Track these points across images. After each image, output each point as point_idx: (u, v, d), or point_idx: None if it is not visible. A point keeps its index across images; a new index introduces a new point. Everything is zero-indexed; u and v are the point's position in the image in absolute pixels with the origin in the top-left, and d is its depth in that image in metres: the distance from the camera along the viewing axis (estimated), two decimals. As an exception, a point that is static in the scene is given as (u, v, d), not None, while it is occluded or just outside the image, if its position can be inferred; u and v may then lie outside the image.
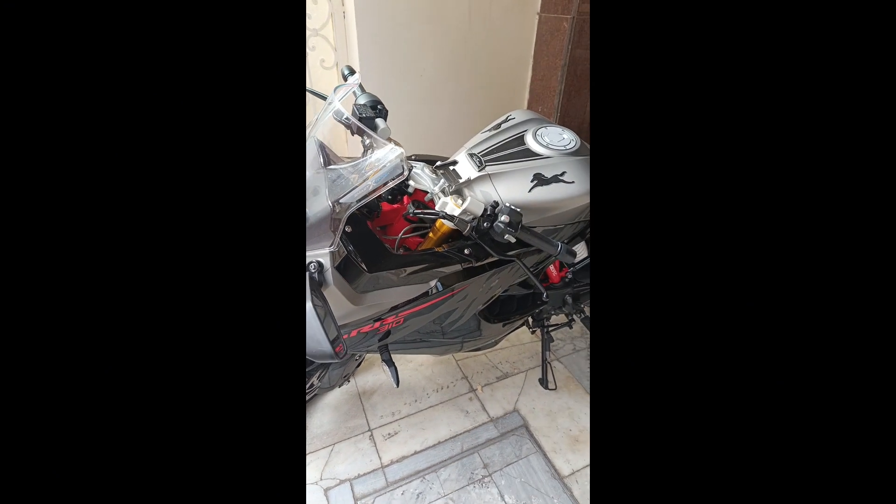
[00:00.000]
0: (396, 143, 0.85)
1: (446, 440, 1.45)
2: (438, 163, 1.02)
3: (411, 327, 1.05)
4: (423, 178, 0.94)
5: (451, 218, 0.89)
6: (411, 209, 0.97)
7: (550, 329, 1.58)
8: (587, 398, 1.61)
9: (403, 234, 1.02)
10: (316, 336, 0.62)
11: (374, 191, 0.79)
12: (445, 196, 0.91)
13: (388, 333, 1.03)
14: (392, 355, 1.11)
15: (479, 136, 1.20)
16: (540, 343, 1.76)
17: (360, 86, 1.03)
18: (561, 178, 1.06)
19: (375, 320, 0.96)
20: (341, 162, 0.86)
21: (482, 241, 0.94)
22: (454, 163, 1.05)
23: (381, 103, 1.00)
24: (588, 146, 1.17)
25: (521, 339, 1.86)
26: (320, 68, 2.07)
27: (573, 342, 1.86)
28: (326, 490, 1.30)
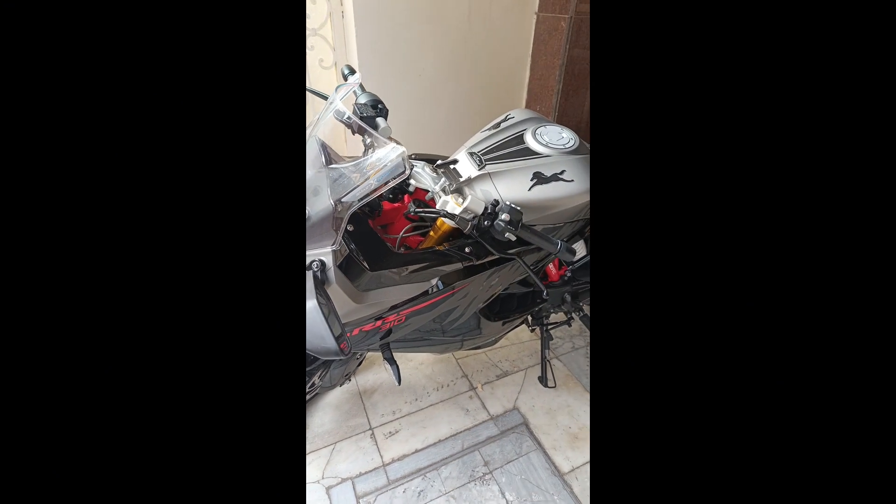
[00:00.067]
0: (397, 143, 0.85)
1: (447, 438, 1.45)
2: (439, 162, 1.02)
3: (412, 326, 1.05)
4: (423, 176, 0.95)
5: (451, 216, 0.90)
6: (412, 208, 0.97)
7: (550, 327, 1.59)
8: (586, 396, 1.62)
9: (404, 232, 1.02)
10: (321, 333, 0.62)
11: (375, 190, 0.79)
12: (446, 195, 0.91)
13: (389, 332, 1.03)
14: (393, 353, 1.12)
15: (479, 136, 1.21)
16: (539, 341, 1.76)
17: (361, 85, 1.03)
18: (560, 176, 1.06)
19: (377, 319, 0.96)
20: (343, 161, 0.86)
21: (483, 239, 0.94)
22: (454, 162, 1.05)
23: (381, 102, 1.01)
24: (587, 145, 1.18)
25: (521, 338, 1.87)
26: (319, 68, 2.07)
27: (572, 340, 1.87)
28: (328, 489, 1.30)
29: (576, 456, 1.41)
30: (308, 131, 0.88)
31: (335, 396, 1.58)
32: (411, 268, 0.93)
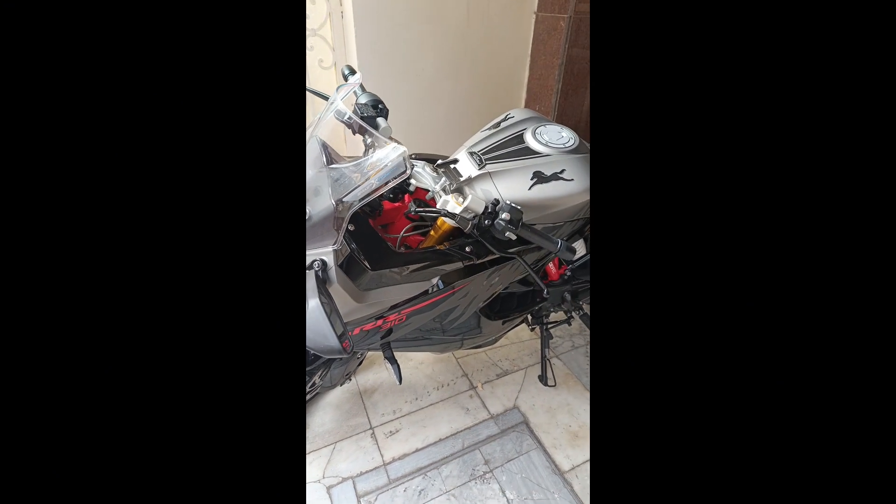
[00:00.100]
0: (398, 143, 0.85)
1: (447, 437, 1.46)
2: (439, 161, 1.03)
3: (413, 325, 1.05)
4: (424, 176, 0.95)
5: (452, 216, 0.90)
6: (413, 207, 0.98)
7: (549, 326, 1.59)
8: (586, 394, 1.62)
9: (405, 232, 1.03)
10: (323, 332, 0.62)
11: (376, 189, 0.80)
12: (447, 194, 0.92)
13: (390, 331, 1.03)
14: (394, 353, 1.12)
15: (479, 135, 1.21)
16: (539, 340, 1.77)
17: (361, 85, 1.04)
18: (560, 175, 1.07)
19: (378, 318, 0.96)
20: (343, 161, 0.87)
21: (483, 238, 0.95)
22: (455, 161, 1.06)
23: (381, 102, 1.01)
24: (586, 144, 1.19)
25: (521, 337, 1.87)
26: (318, 68, 2.07)
27: (572, 339, 1.87)
28: (329, 488, 1.30)
29: (576, 454, 1.42)
30: (309, 131, 0.88)
31: (335, 396, 1.59)
32: (412, 267, 0.94)
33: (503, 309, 1.33)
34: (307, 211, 0.78)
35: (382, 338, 1.05)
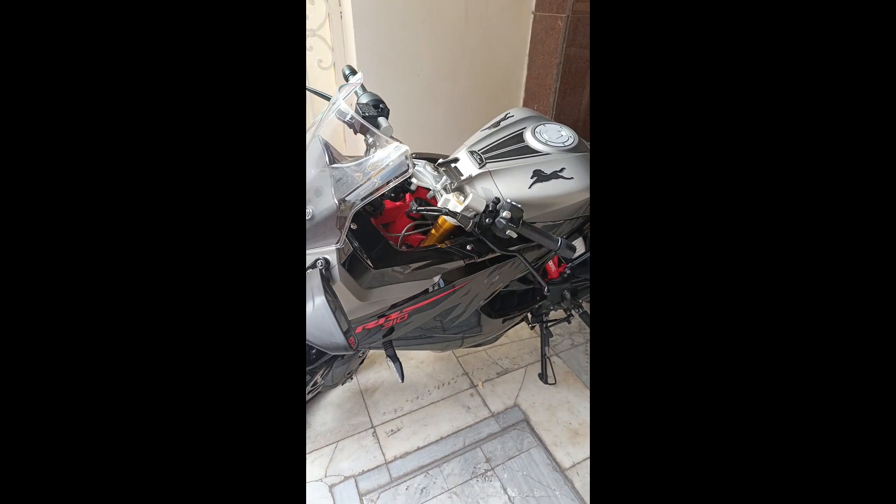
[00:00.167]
0: (400, 142, 0.86)
1: (448, 436, 1.46)
2: (440, 161, 1.03)
3: (415, 323, 1.06)
4: (425, 175, 0.96)
5: (453, 214, 0.91)
6: (414, 206, 0.98)
7: (549, 324, 1.60)
8: (586, 392, 1.63)
9: (406, 231, 1.03)
10: (329, 329, 0.63)
11: (378, 188, 0.80)
12: (448, 193, 0.92)
13: (392, 329, 1.04)
14: (396, 351, 1.13)
15: (479, 134, 1.22)
16: (539, 339, 1.78)
17: (362, 85, 1.04)
18: (560, 174, 1.08)
19: (380, 316, 0.97)
20: (346, 160, 0.87)
21: (484, 236, 0.95)
22: (455, 160, 1.06)
23: (382, 102, 1.02)
24: (585, 143, 1.19)
25: (521, 335, 1.88)
26: (318, 68, 2.07)
27: (571, 337, 1.88)
28: (331, 487, 1.31)
29: (576, 451, 1.42)
30: (311, 131, 0.89)
31: (337, 395, 1.59)
32: (414, 266, 0.94)
33: (503, 307, 1.34)
34: (310, 210, 0.79)
35: (384, 336, 1.05)
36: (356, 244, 0.88)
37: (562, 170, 1.08)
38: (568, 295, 1.38)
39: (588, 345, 1.84)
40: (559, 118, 2.47)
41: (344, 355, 1.24)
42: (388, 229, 1.07)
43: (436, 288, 1.01)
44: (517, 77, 2.53)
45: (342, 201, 0.79)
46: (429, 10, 2.07)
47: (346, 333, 0.65)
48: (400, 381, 1.13)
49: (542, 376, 1.65)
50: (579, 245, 1.29)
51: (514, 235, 0.90)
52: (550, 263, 1.40)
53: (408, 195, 1.08)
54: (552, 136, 1.17)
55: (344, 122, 0.90)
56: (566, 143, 1.15)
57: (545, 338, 1.62)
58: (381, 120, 0.99)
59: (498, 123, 1.25)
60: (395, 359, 1.10)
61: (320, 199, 0.80)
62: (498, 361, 1.76)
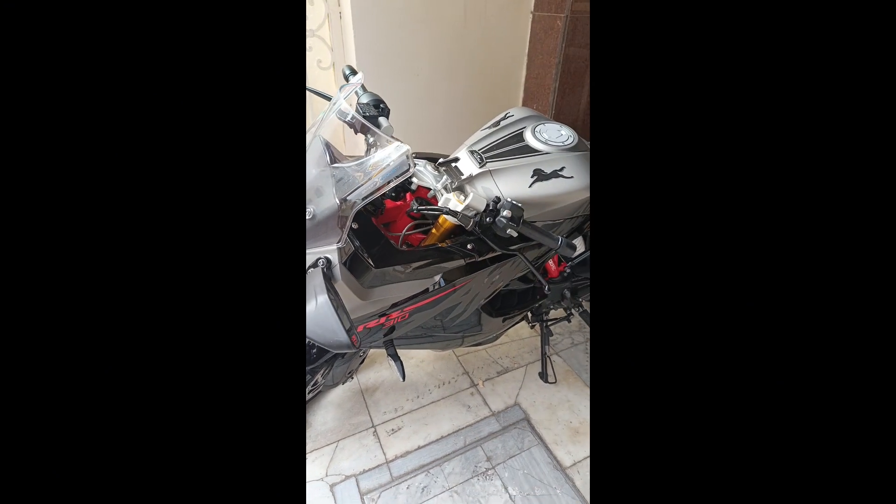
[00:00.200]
0: (400, 142, 0.86)
1: (449, 435, 1.47)
2: (440, 160, 1.04)
3: (416, 322, 1.06)
4: (426, 175, 0.96)
5: (454, 213, 0.91)
6: (415, 206, 0.99)
7: (549, 323, 1.60)
8: (586, 391, 1.63)
9: (407, 230, 1.04)
10: (332, 327, 0.63)
11: (380, 188, 0.81)
12: (448, 192, 0.93)
13: (393, 328, 1.04)
14: (396, 350, 1.13)
15: (479, 134, 1.22)
16: (539, 338, 1.78)
17: (363, 85, 1.04)
18: (560, 173, 1.08)
19: (381, 315, 0.97)
20: (346, 160, 0.88)
21: (485, 235, 0.96)
22: (456, 160, 1.07)
23: (383, 102, 1.02)
24: (585, 142, 1.20)
25: (521, 334, 1.88)
26: (317, 69, 2.08)
27: (571, 336, 1.88)
28: (332, 486, 1.31)
29: (577, 450, 1.43)
30: (312, 131, 0.89)
31: (337, 395, 1.59)
32: (414, 265, 0.94)
33: (504, 306, 1.34)
34: (312, 210, 0.79)
35: (385, 335, 1.06)
36: (357, 243, 0.88)
37: (562, 169, 1.09)
38: (568, 294, 1.38)
39: (588, 343, 1.85)
40: (558, 118, 2.47)
41: (345, 354, 1.24)
42: (389, 229, 1.07)
43: (436, 287, 1.01)
44: (516, 77, 2.54)
45: (343, 201, 0.80)
46: (427, 10, 2.07)
47: (348, 331, 0.65)
48: (401, 380, 1.13)
49: (543, 375, 1.65)
50: (579, 244, 1.29)
51: (515, 234, 0.90)
52: (550, 262, 1.41)
53: (408, 194, 1.08)
54: (552, 136, 1.17)
55: (345, 122, 0.91)
56: (566, 143, 1.15)
57: (545, 337, 1.62)
58: (382, 120, 0.99)
59: (498, 123, 1.25)
60: (396, 358, 1.10)
61: (321, 198, 0.80)
62: (498, 360, 1.76)
